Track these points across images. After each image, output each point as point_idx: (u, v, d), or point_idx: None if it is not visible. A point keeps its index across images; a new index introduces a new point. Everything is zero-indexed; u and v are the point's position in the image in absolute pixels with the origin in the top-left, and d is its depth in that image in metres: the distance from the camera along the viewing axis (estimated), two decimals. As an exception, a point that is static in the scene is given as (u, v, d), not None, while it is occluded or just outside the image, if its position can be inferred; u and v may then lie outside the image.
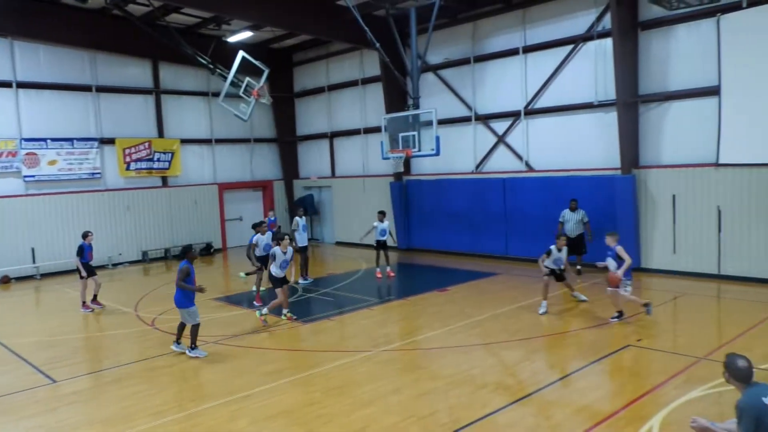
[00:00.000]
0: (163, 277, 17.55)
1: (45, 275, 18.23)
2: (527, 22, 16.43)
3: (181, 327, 9.63)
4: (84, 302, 13.17)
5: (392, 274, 15.58)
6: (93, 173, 19.55)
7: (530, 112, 16.60)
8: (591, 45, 15.13)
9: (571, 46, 15.50)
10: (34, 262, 18.22)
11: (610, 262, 10.19)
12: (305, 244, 15.31)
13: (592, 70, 15.11)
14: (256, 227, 13.44)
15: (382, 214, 15.55)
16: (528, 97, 16.58)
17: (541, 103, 16.36)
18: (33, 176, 18.33)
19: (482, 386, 7.65)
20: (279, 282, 11.16)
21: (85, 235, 13.35)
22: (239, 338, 10.35)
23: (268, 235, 13.41)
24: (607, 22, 14.48)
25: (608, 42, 14.43)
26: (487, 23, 17.37)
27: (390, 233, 15.50)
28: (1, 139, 17.73)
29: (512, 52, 16.76)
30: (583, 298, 11.88)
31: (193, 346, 9.40)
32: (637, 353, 8.75)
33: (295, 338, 10.41)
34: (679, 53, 13.71)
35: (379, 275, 15.31)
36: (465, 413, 6.82)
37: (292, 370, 8.67)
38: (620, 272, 9.96)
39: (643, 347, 8.94)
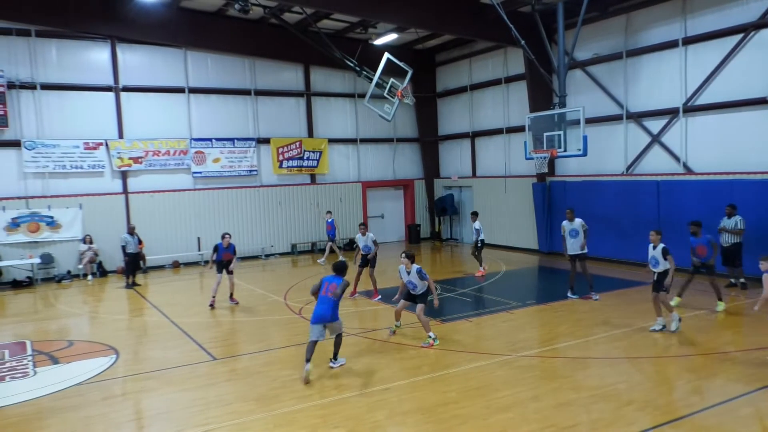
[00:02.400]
0: (310, 270, 18.62)
1: (208, 262, 20.09)
2: (688, 12, 15.16)
3: (338, 341, 8.96)
4: (213, 297, 13.23)
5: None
6: (250, 170, 21.21)
7: (690, 109, 15.31)
8: (765, 33, 13.63)
9: (740, 36, 14.06)
10: (199, 249, 20.18)
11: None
12: (575, 252, 12.71)
13: (766, 61, 13.60)
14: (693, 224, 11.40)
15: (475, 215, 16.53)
16: (687, 93, 15.30)
17: (702, 99, 15.02)
18: (200, 172, 20.33)
19: (628, 403, 7.22)
20: (412, 299, 9.97)
21: (222, 236, 13.45)
22: (377, 332, 10.68)
23: (369, 236, 13.64)
24: (787, 7, 12.98)
25: (787, 30, 12.92)
26: (641, 14, 16.29)
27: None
28: (175, 138, 19.88)
29: (670, 45, 15.56)
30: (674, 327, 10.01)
31: (338, 357, 8.97)
32: (815, 382, 7.75)
33: (432, 336, 10.52)
34: None
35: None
36: (608, 430, 6.48)
37: (429, 367, 8.78)
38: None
39: (822, 375, 7.92)
